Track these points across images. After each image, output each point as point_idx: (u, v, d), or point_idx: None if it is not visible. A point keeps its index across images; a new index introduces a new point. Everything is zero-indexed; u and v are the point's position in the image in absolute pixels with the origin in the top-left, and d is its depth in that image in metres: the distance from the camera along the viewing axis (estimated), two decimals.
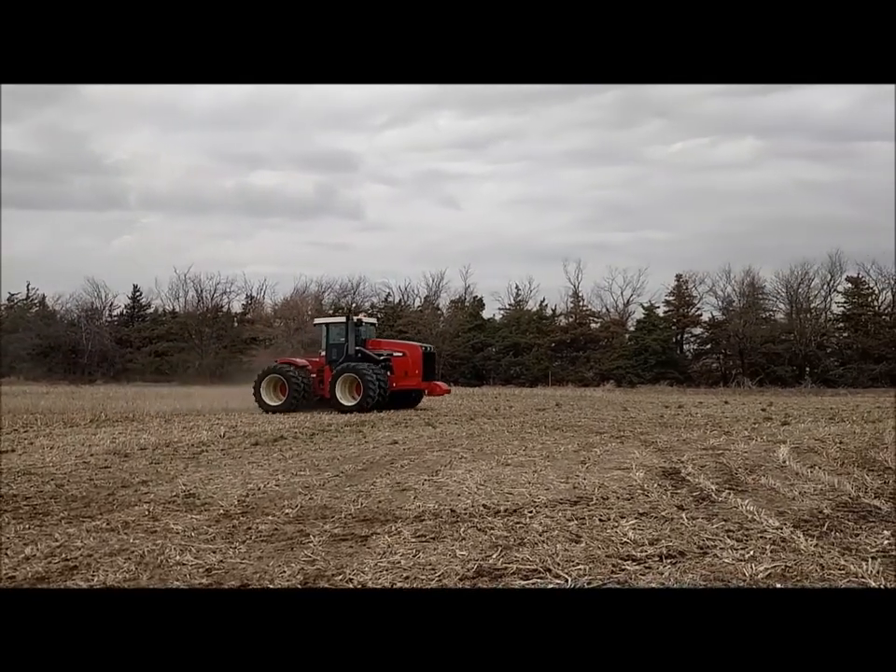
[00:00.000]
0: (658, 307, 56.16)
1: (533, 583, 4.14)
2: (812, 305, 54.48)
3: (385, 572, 4.35)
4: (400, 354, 21.84)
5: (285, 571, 4.39)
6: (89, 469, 8.74)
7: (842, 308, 53.69)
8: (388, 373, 21.19)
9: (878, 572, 4.19)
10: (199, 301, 63.54)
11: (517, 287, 61.16)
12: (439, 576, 4.29)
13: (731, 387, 46.65)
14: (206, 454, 10.30)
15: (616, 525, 5.54)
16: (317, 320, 25.22)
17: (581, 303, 59.06)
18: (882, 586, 3.99)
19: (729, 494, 6.79)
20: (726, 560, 4.53)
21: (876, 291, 52.91)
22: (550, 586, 4.08)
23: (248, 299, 65.29)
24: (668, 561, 4.55)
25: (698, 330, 56.82)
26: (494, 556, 4.66)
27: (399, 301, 62.60)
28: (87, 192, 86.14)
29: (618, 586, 4.07)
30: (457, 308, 61.25)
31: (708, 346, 56.46)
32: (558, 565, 4.44)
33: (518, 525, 5.56)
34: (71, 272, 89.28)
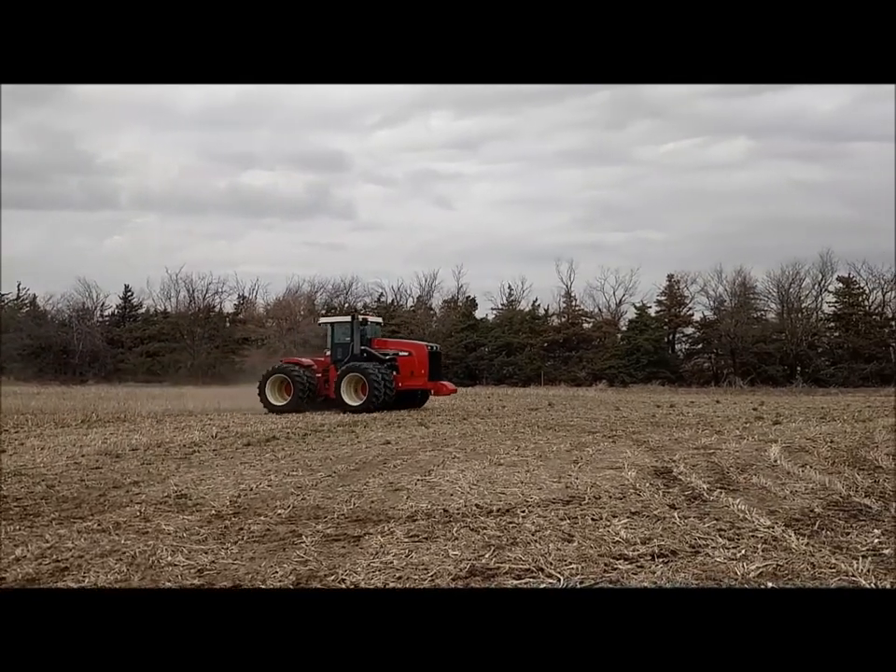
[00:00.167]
0: (650, 307, 56.39)
1: (525, 583, 4.14)
2: (803, 305, 54.72)
3: (377, 572, 4.35)
4: (406, 353, 21.52)
5: (277, 572, 4.38)
6: (80, 469, 8.70)
7: (833, 308, 53.96)
8: (394, 373, 20.90)
9: (869, 571, 4.22)
10: (191, 301, 63.37)
11: (510, 286, 61.28)
12: (431, 576, 4.29)
13: (722, 387, 46.79)
14: (198, 454, 10.27)
15: (608, 524, 5.55)
16: (322, 319, 25.02)
17: (573, 303, 59.19)
18: (872, 584, 4.01)
19: (720, 493, 6.81)
20: (718, 559, 4.55)
21: (867, 291, 53.19)
22: (542, 586, 4.09)
23: (240, 299, 65.18)
24: (660, 560, 4.56)
25: (690, 330, 57.00)
26: (486, 556, 4.67)
27: (392, 301, 62.57)
28: (78, 192, 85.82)
29: (610, 585, 4.08)
30: (450, 308, 61.26)
31: (700, 346, 56.64)
32: (551, 564, 4.44)
33: (511, 525, 5.56)
34: (62, 272, 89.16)
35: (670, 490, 7.07)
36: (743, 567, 4.34)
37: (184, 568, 4.46)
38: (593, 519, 5.75)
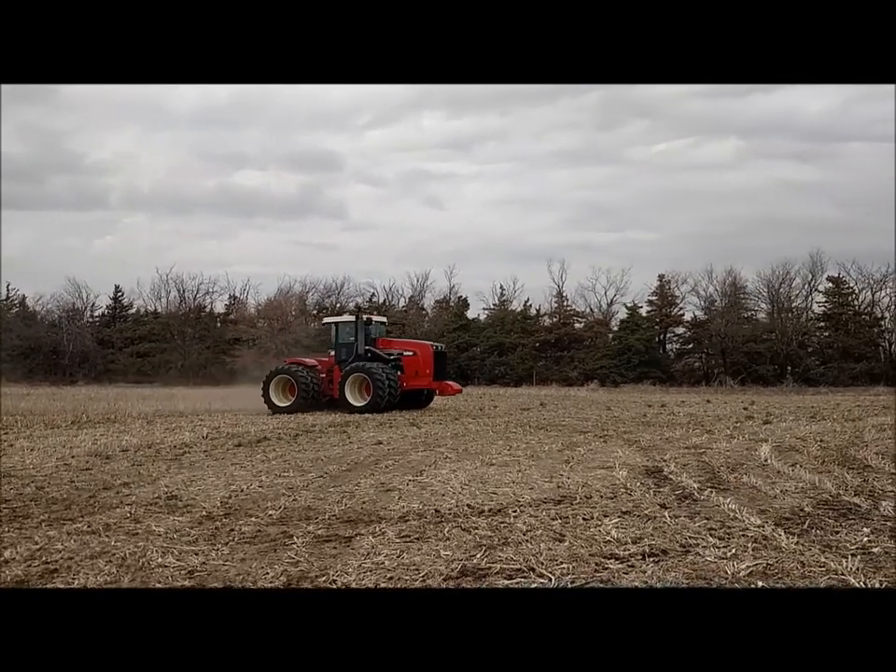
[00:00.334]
0: (641, 307, 56.64)
1: (517, 583, 4.15)
2: (793, 305, 55.04)
3: (368, 573, 4.34)
4: (411, 353, 21.28)
5: (268, 573, 4.37)
6: (70, 470, 8.65)
7: (823, 308, 54.32)
8: (399, 373, 20.69)
9: (858, 569, 4.24)
10: (181, 301, 63.24)
11: (501, 287, 61.44)
12: (423, 576, 4.29)
13: (713, 386, 46.99)
14: (189, 455, 10.24)
15: (599, 523, 5.56)
16: (326, 319, 24.80)
17: (565, 303, 59.36)
18: (862, 582, 4.03)
19: (711, 492, 6.83)
20: (708, 558, 4.56)
21: (857, 291, 53.55)
22: (534, 585, 4.09)
23: (231, 299, 65.03)
24: (651, 559, 4.57)
25: (681, 330, 57.31)
26: (478, 556, 4.67)
27: (384, 301, 62.55)
28: (68, 192, 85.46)
29: (601, 585, 4.09)
30: (442, 308, 61.32)
31: (691, 346, 56.89)
32: (542, 564, 4.45)
33: (502, 525, 5.57)
34: (52, 272, 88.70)
35: (661, 489, 7.09)
36: (733, 566, 4.35)
37: (174, 570, 4.44)
38: (584, 518, 5.76)
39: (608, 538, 5.10)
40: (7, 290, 65.07)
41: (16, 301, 65.91)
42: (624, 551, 4.77)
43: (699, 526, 5.43)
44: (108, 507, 6.40)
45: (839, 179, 77.30)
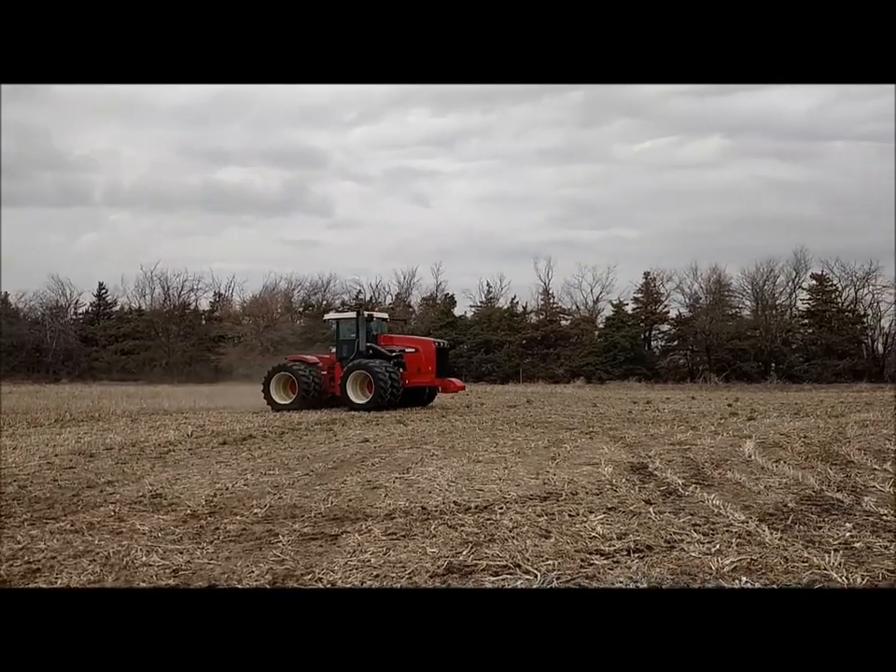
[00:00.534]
0: (627, 304, 56.87)
1: (503, 579, 4.16)
2: (777, 302, 55.47)
3: (355, 570, 4.34)
4: (413, 350, 20.93)
5: (253, 571, 4.36)
6: (53, 469, 8.58)
7: (806, 305, 54.71)
8: (401, 370, 20.44)
9: (840, 564, 4.28)
10: (166, 298, 62.81)
11: (488, 284, 61.49)
12: (409, 573, 4.29)
13: (698, 383, 47.24)
14: (173, 453, 10.18)
15: (585, 520, 5.59)
16: (327, 315, 24.39)
17: (551, 301, 59.51)
18: (844, 577, 4.07)
19: (696, 488, 6.88)
20: (693, 554, 4.59)
21: (840, 288, 53.97)
22: (519, 583, 4.10)
23: (216, 296, 64.68)
24: (636, 555, 4.60)
25: (666, 327, 57.57)
26: (464, 553, 4.68)
27: (371, 298, 62.42)
28: (51, 189, 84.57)
29: (587, 583, 4.10)
30: (429, 305, 61.28)
31: (676, 343, 57.19)
32: (528, 560, 4.47)
33: (488, 522, 5.58)
34: (35, 269, 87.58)
35: (646, 486, 7.13)
36: (717, 561, 4.39)
37: (159, 569, 4.42)
38: (570, 515, 5.78)
39: (593, 534, 5.13)
40: None
41: None
42: (610, 547, 4.79)
43: (684, 522, 5.47)
44: (92, 505, 6.36)
45: (822, 178, 77.97)
